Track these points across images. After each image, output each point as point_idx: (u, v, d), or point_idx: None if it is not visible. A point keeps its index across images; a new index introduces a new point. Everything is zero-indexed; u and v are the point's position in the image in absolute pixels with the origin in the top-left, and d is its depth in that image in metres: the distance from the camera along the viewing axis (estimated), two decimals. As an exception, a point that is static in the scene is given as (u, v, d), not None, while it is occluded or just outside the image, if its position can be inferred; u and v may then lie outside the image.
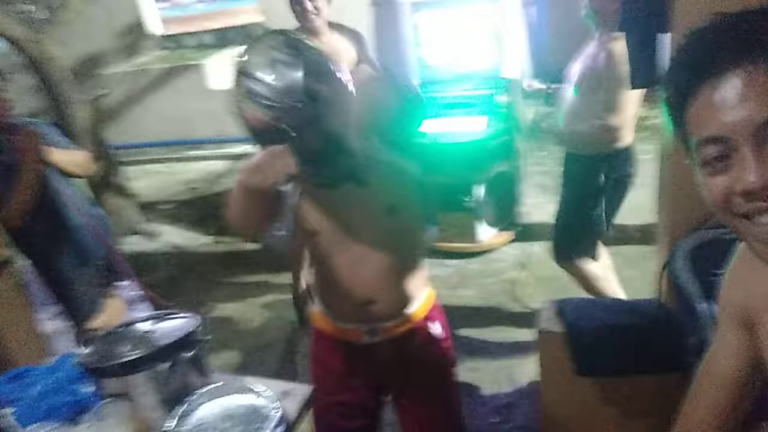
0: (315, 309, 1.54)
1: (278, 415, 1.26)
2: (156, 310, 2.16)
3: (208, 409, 1.33)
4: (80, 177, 2.60)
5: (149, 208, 4.74)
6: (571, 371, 1.62)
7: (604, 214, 2.46)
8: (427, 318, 1.51)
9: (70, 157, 2.34)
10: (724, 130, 0.64)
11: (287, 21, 2.70)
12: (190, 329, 1.38)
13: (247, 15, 6.08)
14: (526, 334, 2.71)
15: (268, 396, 1.32)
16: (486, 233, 3.55)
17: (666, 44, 1.61)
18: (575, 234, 2.57)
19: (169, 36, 6.49)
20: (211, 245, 4.22)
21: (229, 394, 1.36)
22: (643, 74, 1.68)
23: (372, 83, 1.49)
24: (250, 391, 1.35)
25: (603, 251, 2.63)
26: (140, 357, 1.30)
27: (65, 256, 2.33)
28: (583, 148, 2.45)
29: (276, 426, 1.24)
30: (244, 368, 2.85)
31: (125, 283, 2.65)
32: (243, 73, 1.14)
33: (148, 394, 1.31)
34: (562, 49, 2.95)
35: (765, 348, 0.82)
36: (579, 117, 2.39)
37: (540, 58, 3.75)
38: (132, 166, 5.37)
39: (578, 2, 2.37)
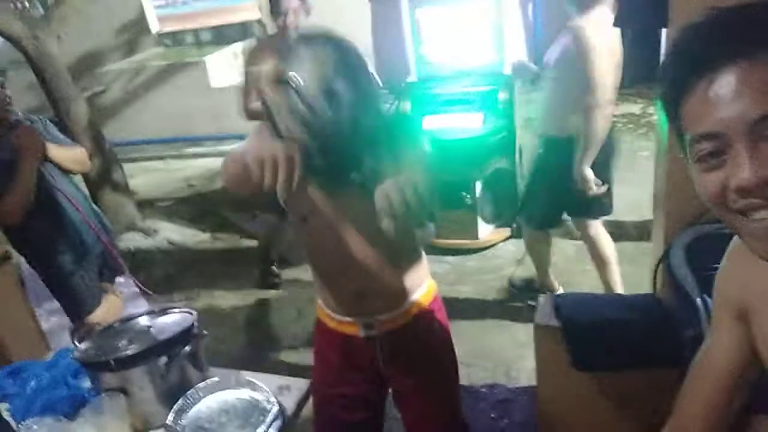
0: (318, 301, 1.54)
1: (276, 409, 1.27)
2: (151, 305, 2.16)
3: (206, 404, 1.34)
4: (78, 173, 2.61)
5: (147, 204, 4.75)
6: (568, 365, 1.62)
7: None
8: (427, 311, 1.49)
9: (68, 154, 2.34)
10: (718, 126, 0.63)
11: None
12: (188, 324, 1.39)
13: (245, 12, 6.07)
14: (523, 330, 2.72)
15: (265, 390, 1.32)
16: (485, 230, 3.56)
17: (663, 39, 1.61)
18: (542, 206, 2.73)
19: (167, 33, 6.49)
20: (209, 242, 4.22)
21: (227, 389, 1.37)
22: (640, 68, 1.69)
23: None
24: (248, 385, 1.36)
25: (609, 240, 2.70)
26: (138, 352, 1.30)
27: (63, 252, 2.33)
28: (560, 131, 2.53)
29: (273, 420, 1.25)
30: (242, 363, 2.85)
31: (123, 279, 2.65)
32: (295, 90, 1.11)
33: (146, 389, 1.32)
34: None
35: (760, 342, 0.82)
36: (555, 101, 2.53)
37: (537, 53, 3.74)
38: (130, 162, 5.37)
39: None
